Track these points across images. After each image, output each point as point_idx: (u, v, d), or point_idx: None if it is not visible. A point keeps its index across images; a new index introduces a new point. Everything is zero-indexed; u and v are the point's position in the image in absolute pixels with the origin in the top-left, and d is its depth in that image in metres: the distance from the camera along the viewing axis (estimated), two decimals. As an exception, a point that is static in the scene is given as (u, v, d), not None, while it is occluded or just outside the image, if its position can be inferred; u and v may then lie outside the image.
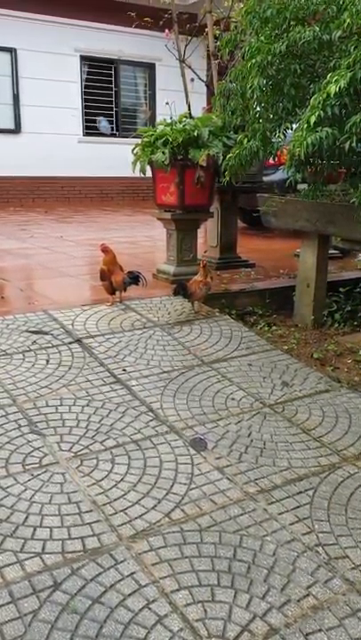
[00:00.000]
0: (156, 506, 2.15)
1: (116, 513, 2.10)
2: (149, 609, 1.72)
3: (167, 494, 2.22)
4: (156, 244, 6.62)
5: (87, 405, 2.79)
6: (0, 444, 2.43)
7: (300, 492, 2.31)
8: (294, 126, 3.65)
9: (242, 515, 2.15)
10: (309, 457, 2.55)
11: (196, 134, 4.21)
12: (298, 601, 1.80)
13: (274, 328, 4.08)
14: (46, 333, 3.46)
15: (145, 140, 4.37)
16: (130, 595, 1.76)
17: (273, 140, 3.77)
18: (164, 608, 1.73)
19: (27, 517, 2.04)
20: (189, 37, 5.78)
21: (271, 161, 4.18)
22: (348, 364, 3.58)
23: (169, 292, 4.06)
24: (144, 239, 7.16)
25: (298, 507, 2.22)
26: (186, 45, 5.61)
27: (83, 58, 11.99)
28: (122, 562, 1.88)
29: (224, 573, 1.88)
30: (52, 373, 3.05)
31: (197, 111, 5.49)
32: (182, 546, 1.97)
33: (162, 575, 1.85)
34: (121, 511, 2.11)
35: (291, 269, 5.09)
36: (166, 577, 1.84)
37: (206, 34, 5.30)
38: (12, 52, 11.14)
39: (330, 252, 4.62)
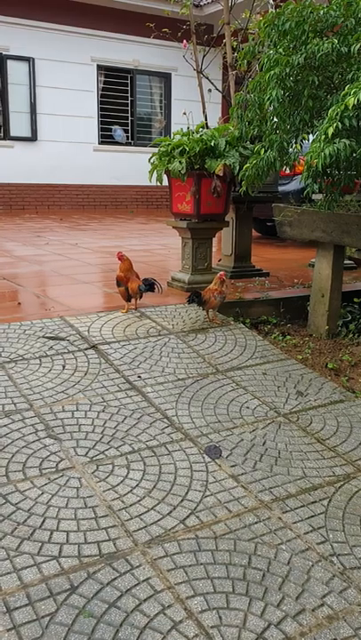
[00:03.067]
0: (171, 512, 2.17)
1: (131, 518, 2.12)
2: (165, 614, 1.73)
3: (182, 501, 2.23)
4: (169, 253, 6.66)
5: (103, 411, 2.81)
6: (17, 448, 2.46)
7: (315, 502, 2.31)
8: (311, 137, 3.68)
9: (256, 523, 2.16)
10: (324, 466, 2.55)
11: (212, 144, 4.25)
12: (313, 610, 1.80)
13: (288, 337, 4.09)
14: (62, 339, 3.49)
15: (162, 149, 4.41)
16: (145, 600, 1.77)
17: (290, 151, 3.80)
18: (180, 614, 1.74)
19: (43, 521, 2.06)
20: (207, 48, 5.84)
21: (288, 171, 4.21)
22: (362, 374, 3.58)
23: (183, 301, 4.08)
24: (158, 247, 7.21)
25: (312, 516, 2.23)
26: (203, 56, 5.67)
27: (99, 67, 12.15)
28: (137, 567, 1.90)
29: (239, 581, 1.89)
30: (68, 379, 3.08)
31: (213, 121, 5.54)
32: (197, 553, 1.98)
33: (177, 581, 1.86)
34: (136, 517, 2.13)
35: (305, 279, 5.10)
36: (181, 583, 1.85)
37: (224, 45, 5.34)
38: (29, 61, 11.31)
39: (344, 262, 4.62)
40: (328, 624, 1.75)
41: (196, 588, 1.84)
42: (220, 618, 1.74)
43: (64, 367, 3.19)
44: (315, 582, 1.91)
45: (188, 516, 2.15)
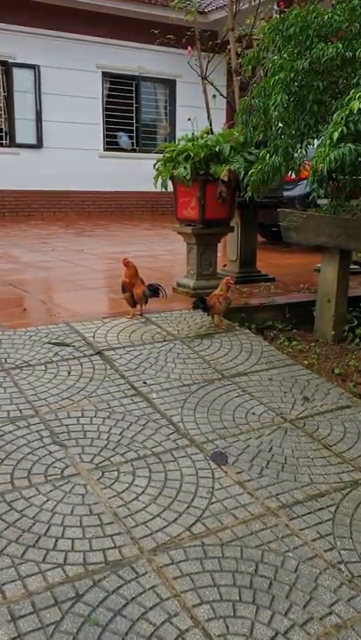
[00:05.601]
0: (177, 519, 2.15)
1: (137, 525, 2.10)
2: (171, 623, 1.71)
3: (188, 508, 2.22)
4: (175, 258, 6.65)
5: (108, 417, 2.80)
6: (22, 455, 2.45)
7: (322, 509, 2.29)
8: (316, 142, 3.67)
9: (263, 530, 2.14)
10: (331, 473, 2.53)
11: (217, 150, 4.25)
12: (320, 619, 1.78)
13: (294, 343, 4.07)
14: (68, 345, 3.49)
15: (167, 155, 4.42)
16: (151, 608, 1.75)
17: (295, 156, 3.80)
18: (186, 622, 1.72)
19: (49, 528, 2.05)
20: (211, 54, 5.85)
21: (293, 176, 4.20)
22: (369, 379, 3.55)
23: (189, 306, 4.07)
24: (163, 253, 7.21)
25: (320, 523, 2.20)
26: (208, 62, 5.68)
27: (104, 74, 12.19)
28: (143, 575, 1.88)
29: (245, 589, 1.86)
30: (73, 385, 3.07)
31: (218, 127, 5.54)
32: (203, 560, 1.97)
33: (183, 589, 1.84)
34: (142, 524, 2.11)
35: (311, 284, 5.08)
36: (188, 591, 1.83)
37: (228, 51, 5.35)
38: (35, 68, 11.37)
39: (350, 267, 4.59)
40: (336, 633, 1.73)
41: (202, 595, 1.82)
42: (226, 627, 1.72)
43: (69, 373, 3.19)
44: (323, 590, 1.88)
45: (194, 523, 2.13)
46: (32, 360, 3.29)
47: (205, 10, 11.49)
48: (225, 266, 5.34)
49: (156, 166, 4.51)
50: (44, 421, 2.72)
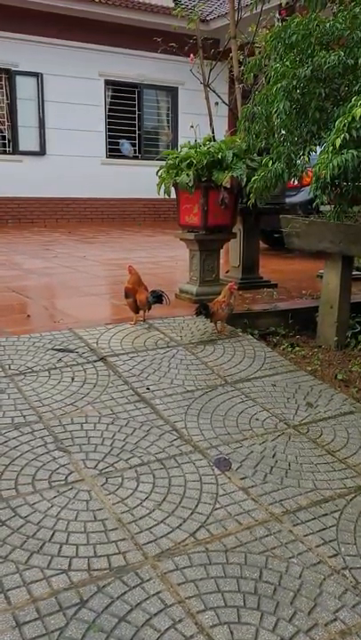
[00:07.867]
0: (181, 525, 2.15)
1: (141, 531, 2.10)
2: (176, 629, 1.71)
3: (192, 514, 2.22)
4: (177, 265, 6.67)
5: (112, 423, 2.81)
6: (27, 461, 2.45)
7: (326, 514, 2.28)
8: (318, 149, 3.69)
9: (267, 536, 2.14)
10: (335, 479, 2.53)
11: (219, 156, 4.27)
12: (325, 625, 1.77)
13: (297, 349, 4.07)
14: (71, 351, 3.49)
15: (169, 162, 4.44)
16: (156, 614, 1.75)
17: (297, 163, 3.81)
18: (191, 629, 1.72)
19: (53, 534, 2.05)
20: (213, 62, 5.88)
21: (296, 182, 4.22)
22: (372, 385, 3.55)
23: (191, 312, 4.08)
24: (165, 259, 7.23)
25: (324, 529, 2.20)
26: (210, 70, 5.72)
27: (107, 82, 12.26)
28: (148, 581, 1.88)
29: (250, 595, 1.86)
30: (77, 391, 3.08)
31: (220, 134, 5.57)
32: (208, 566, 1.96)
33: (187, 595, 1.84)
34: (146, 529, 2.11)
35: (313, 290, 5.09)
36: (192, 597, 1.83)
37: (230, 58, 5.39)
38: (38, 76, 11.44)
39: (353, 273, 4.60)
40: (341, 639, 1.73)
41: (206, 602, 1.82)
42: (231, 633, 1.72)
43: (73, 379, 3.19)
44: (327, 596, 1.88)
45: (198, 529, 2.13)
46: (36, 366, 3.30)
47: (207, 18, 11.57)
48: (227, 272, 5.35)
49: (159, 173, 4.53)
50: (48, 427, 2.73)
